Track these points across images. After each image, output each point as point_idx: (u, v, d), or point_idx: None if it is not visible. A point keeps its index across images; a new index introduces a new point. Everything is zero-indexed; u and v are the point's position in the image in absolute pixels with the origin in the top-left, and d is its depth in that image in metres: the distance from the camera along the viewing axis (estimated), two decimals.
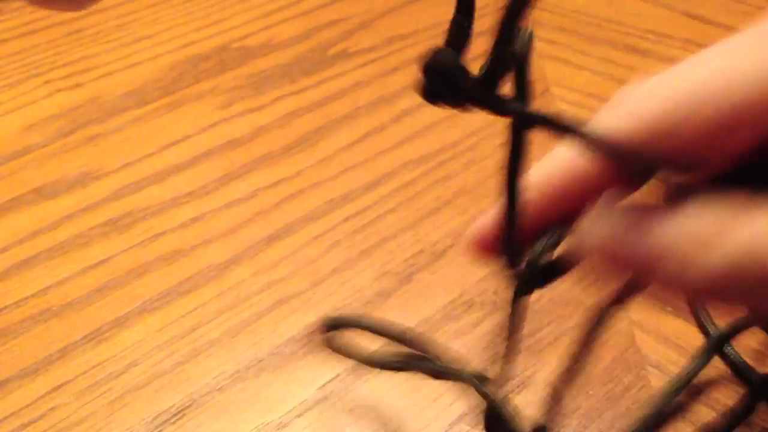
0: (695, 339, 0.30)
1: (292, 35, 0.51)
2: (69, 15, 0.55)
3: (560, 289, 0.32)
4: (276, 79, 0.47)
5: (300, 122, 0.43)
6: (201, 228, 0.36)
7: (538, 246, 0.19)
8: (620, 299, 0.19)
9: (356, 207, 0.37)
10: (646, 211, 0.16)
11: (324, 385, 0.29)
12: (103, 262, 0.34)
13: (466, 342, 0.30)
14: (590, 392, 0.28)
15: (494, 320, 0.31)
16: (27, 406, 0.28)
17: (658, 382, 0.28)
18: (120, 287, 0.33)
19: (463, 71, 0.16)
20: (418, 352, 0.25)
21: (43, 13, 0.56)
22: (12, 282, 0.33)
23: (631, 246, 0.16)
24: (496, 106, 0.16)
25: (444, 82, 0.16)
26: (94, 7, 0.56)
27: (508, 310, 0.20)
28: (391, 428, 0.27)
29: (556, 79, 0.46)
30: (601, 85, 0.45)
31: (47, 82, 0.48)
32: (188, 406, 0.28)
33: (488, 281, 0.32)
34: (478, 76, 0.16)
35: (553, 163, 0.19)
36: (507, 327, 0.21)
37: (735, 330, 0.28)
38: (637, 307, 0.31)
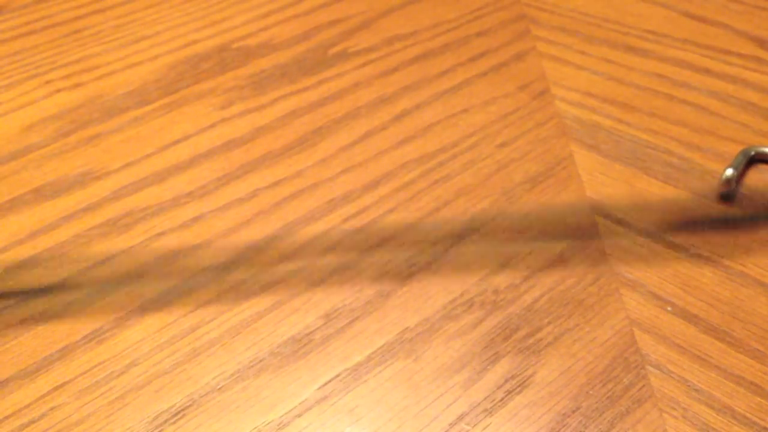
0: (695, 339, 0.30)
1: (292, 35, 0.51)
2: (69, 15, 0.55)
3: (560, 288, 0.32)
4: (276, 79, 0.47)
5: (300, 122, 0.43)
6: (201, 228, 0.36)
7: None
8: None
9: (356, 207, 0.37)
10: None
11: (324, 385, 0.29)
12: (103, 261, 0.34)
13: (466, 342, 0.30)
14: (590, 392, 0.28)
15: (494, 320, 0.31)
16: (27, 405, 0.28)
17: (658, 381, 0.28)
18: (120, 287, 0.33)
19: None
20: None
21: (43, 13, 0.56)
22: (13, 282, 0.33)
23: None
24: None
25: None
26: (94, 7, 0.56)
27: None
28: (391, 428, 0.27)
29: (555, 79, 0.46)
30: (600, 85, 0.45)
31: (47, 82, 0.48)
32: (188, 406, 0.28)
33: (488, 281, 0.32)
34: None
35: None
36: None
37: None
38: (638, 307, 0.31)
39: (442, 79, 0.46)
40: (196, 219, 0.36)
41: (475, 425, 0.27)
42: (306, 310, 0.32)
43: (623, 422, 0.27)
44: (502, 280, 0.32)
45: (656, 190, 0.37)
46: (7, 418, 0.28)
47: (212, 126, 0.43)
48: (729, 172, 0.36)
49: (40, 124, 0.44)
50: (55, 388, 0.29)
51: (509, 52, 0.48)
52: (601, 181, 0.38)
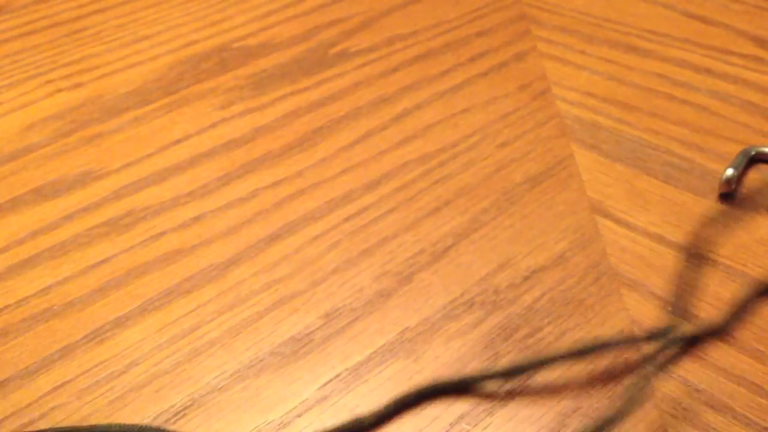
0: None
1: (292, 35, 0.51)
2: (69, 15, 0.55)
3: (560, 288, 0.32)
4: (276, 79, 0.47)
5: (300, 122, 0.43)
6: (201, 228, 0.36)
7: None
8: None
9: (356, 207, 0.37)
10: None
11: (324, 385, 0.29)
12: (103, 261, 0.34)
13: (467, 342, 0.30)
14: (591, 392, 0.28)
15: (495, 320, 0.31)
16: (28, 405, 0.28)
17: (658, 381, 0.28)
18: (121, 287, 0.33)
19: None
20: None
21: (43, 12, 0.56)
22: (13, 282, 0.33)
23: None
24: None
25: None
26: (94, 7, 0.56)
27: None
28: (392, 428, 0.27)
29: (556, 79, 0.46)
30: (601, 85, 0.45)
31: (48, 81, 0.48)
32: (189, 406, 0.28)
33: (489, 281, 0.32)
34: None
35: None
36: None
37: None
38: (638, 306, 0.31)
39: (442, 79, 0.46)
40: (196, 219, 0.36)
41: (475, 425, 0.27)
42: (306, 310, 0.32)
43: (623, 422, 0.27)
44: (502, 279, 0.32)
45: (657, 189, 0.37)
46: (7, 417, 0.28)
47: (212, 126, 0.43)
48: (729, 172, 0.36)
49: (41, 123, 0.44)
50: (56, 388, 0.29)
51: (510, 52, 0.48)
52: (602, 181, 0.38)
